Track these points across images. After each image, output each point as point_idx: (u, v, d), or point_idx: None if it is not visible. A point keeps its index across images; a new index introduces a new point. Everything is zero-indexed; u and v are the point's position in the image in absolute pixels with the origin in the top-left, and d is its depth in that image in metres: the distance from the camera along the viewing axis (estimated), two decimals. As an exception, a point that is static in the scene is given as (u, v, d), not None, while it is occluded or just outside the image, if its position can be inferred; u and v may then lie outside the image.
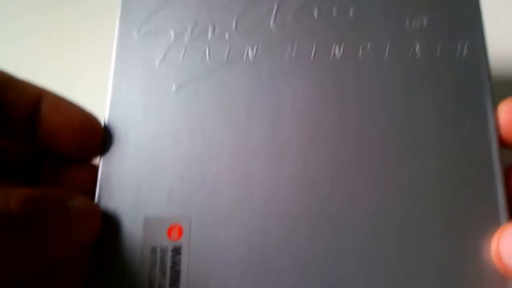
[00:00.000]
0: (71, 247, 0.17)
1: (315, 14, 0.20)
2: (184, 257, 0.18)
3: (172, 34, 0.20)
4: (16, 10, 0.30)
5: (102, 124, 0.19)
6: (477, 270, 0.17)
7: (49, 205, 0.16)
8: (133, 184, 0.18)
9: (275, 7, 0.20)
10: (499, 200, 0.18)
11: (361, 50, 0.20)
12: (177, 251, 0.18)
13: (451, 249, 0.17)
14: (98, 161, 0.19)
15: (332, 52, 0.20)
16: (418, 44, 0.20)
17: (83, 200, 0.18)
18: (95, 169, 0.19)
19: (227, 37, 0.20)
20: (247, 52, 0.20)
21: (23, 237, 0.15)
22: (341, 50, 0.20)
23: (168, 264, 0.17)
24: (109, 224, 0.18)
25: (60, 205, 0.16)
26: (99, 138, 0.19)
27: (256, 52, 0.20)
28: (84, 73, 0.27)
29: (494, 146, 0.18)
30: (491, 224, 0.18)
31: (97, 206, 0.18)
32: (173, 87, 0.20)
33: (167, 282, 0.17)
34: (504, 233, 0.17)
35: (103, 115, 0.20)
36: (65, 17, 0.29)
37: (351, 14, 0.20)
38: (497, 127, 0.19)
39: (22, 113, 0.18)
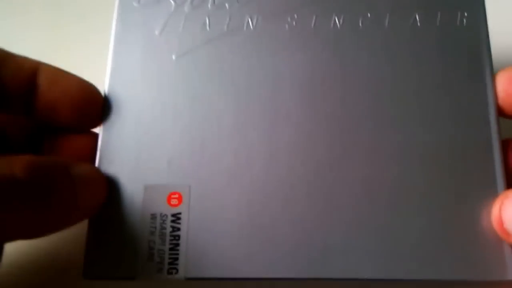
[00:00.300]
0: (77, 214, 0.17)
1: None
2: (183, 223, 0.18)
3: (172, 3, 0.20)
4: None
5: (102, 93, 0.19)
6: (475, 234, 0.17)
7: (53, 171, 0.16)
8: (133, 152, 0.19)
9: None
10: (496, 168, 0.18)
11: (361, 20, 0.20)
12: (176, 217, 0.18)
13: (449, 215, 0.18)
14: (99, 129, 0.19)
15: (332, 22, 0.20)
16: (418, 14, 0.20)
17: (88, 167, 0.18)
18: (96, 137, 0.19)
19: (227, 6, 0.20)
20: (247, 22, 0.20)
21: (29, 202, 0.15)
22: (341, 20, 0.20)
23: (168, 230, 0.18)
24: (110, 191, 0.18)
25: (63, 171, 0.16)
26: (99, 107, 0.19)
27: (256, 22, 0.20)
28: (84, 43, 0.27)
29: (493, 115, 0.18)
30: (489, 191, 0.18)
31: (101, 173, 0.18)
32: (173, 56, 0.20)
33: (166, 247, 0.17)
34: (506, 200, 0.17)
35: (103, 85, 0.19)
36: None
37: None
38: (495, 96, 0.19)
39: (19, 87, 0.18)
